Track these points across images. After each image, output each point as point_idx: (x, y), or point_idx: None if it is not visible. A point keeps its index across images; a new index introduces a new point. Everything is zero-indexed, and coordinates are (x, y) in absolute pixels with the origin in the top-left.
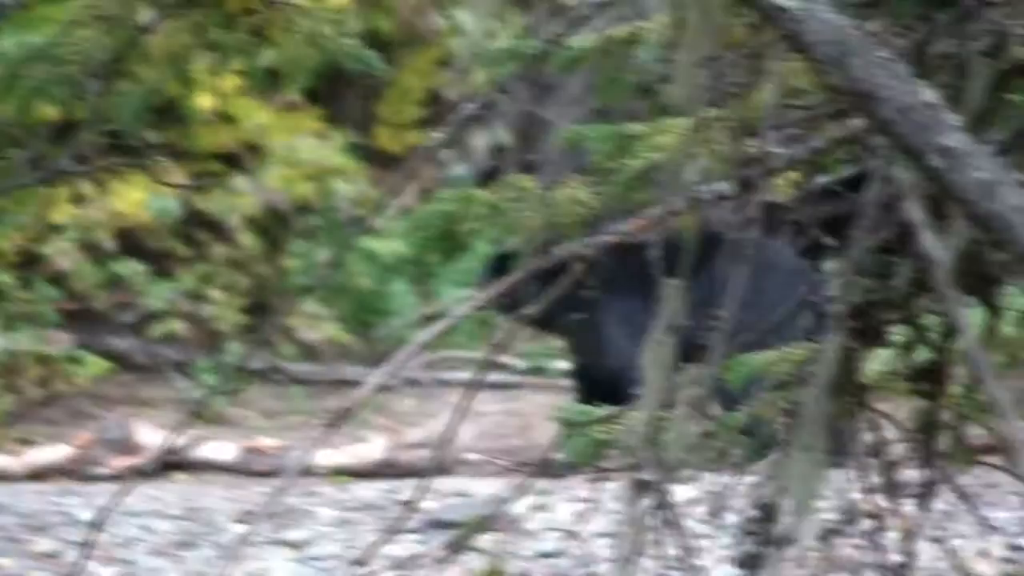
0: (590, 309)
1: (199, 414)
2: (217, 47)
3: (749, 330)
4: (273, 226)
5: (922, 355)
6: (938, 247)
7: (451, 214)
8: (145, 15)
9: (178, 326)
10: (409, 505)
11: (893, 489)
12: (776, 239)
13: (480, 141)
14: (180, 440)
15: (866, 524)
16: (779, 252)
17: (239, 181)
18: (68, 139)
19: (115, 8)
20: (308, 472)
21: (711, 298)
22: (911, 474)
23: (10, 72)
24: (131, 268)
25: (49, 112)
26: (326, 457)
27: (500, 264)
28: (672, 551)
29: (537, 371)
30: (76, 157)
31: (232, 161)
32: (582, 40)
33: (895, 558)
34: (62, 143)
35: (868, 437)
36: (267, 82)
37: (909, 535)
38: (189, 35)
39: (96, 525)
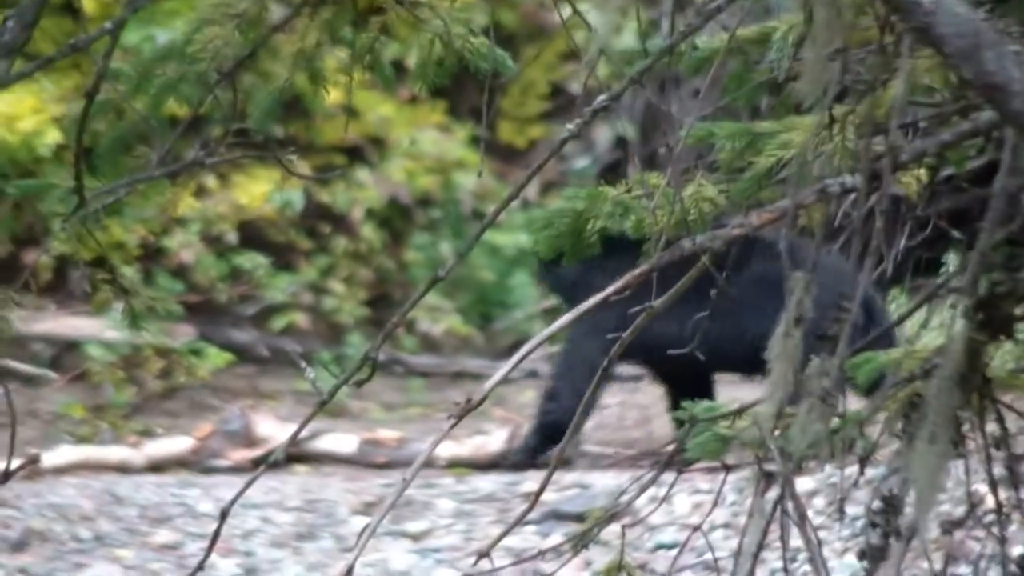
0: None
1: (325, 407)
2: (347, 44)
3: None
4: (395, 219)
5: None
6: None
7: (579, 211)
8: (276, 12)
9: (299, 318)
10: (530, 497)
11: (1016, 481)
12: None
13: (604, 135)
14: (302, 432)
15: (988, 516)
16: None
17: (362, 174)
18: (196, 135)
19: (246, 6)
20: (428, 464)
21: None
22: None
23: (143, 70)
24: (253, 261)
25: (179, 109)
26: (446, 449)
27: (553, 265)
28: (796, 543)
29: None
30: (202, 150)
31: (355, 154)
32: (710, 40)
33: (1017, 550)
34: (190, 139)
35: (992, 429)
36: (393, 78)
37: None
38: (319, 32)
39: (223, 517)
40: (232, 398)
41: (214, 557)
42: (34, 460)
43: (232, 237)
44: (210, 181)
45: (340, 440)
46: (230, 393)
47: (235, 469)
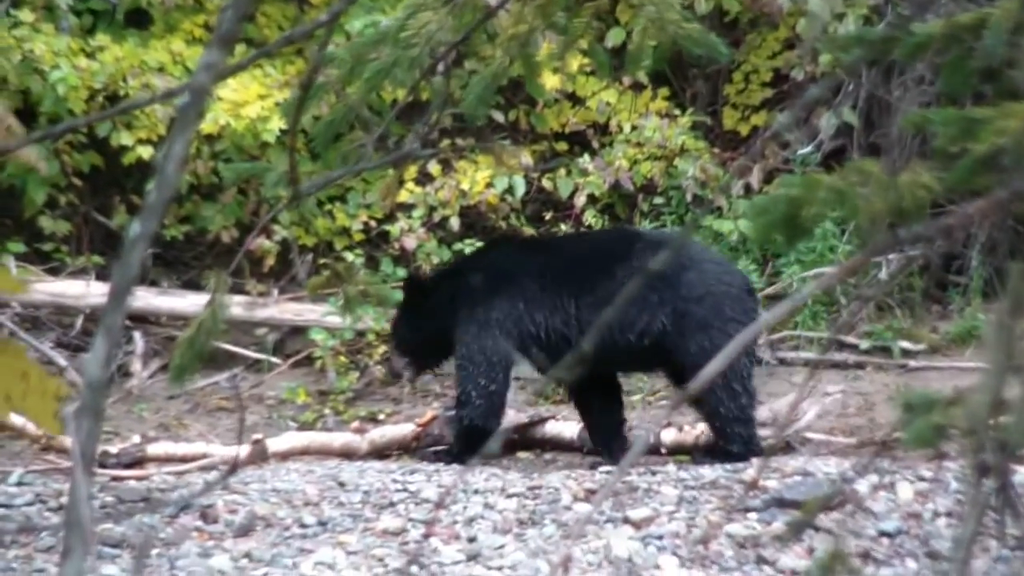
0: None
1: (543, 394)
2: (562, 30)
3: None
4: (617, 205)
5: None
6: None
7: (796, 198)
8: None
9: None
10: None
11: None
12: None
13: (827, 122)
14: (522, 419)
15: None
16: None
17: (584, 161)
18: (414, 120)
19: None
20: (651, 451)
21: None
22: None
23: (356, 55)
24: (475, 247)
25: (395, 94)
26: (668, 436)
27: None
28: (1014, 532)
29: (880, 351)
30: (423, 141)
31: (577, 141)
32: (927, 26)
33: None
34: (408, 124)
35: None
36: (611, 64)
37: None
38: (534, 17)
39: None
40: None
41: (438, 543)
42: (260, 450)
43: (454, 223)
44: (433, 167)
45: (562, 426)
46: (452, 380)
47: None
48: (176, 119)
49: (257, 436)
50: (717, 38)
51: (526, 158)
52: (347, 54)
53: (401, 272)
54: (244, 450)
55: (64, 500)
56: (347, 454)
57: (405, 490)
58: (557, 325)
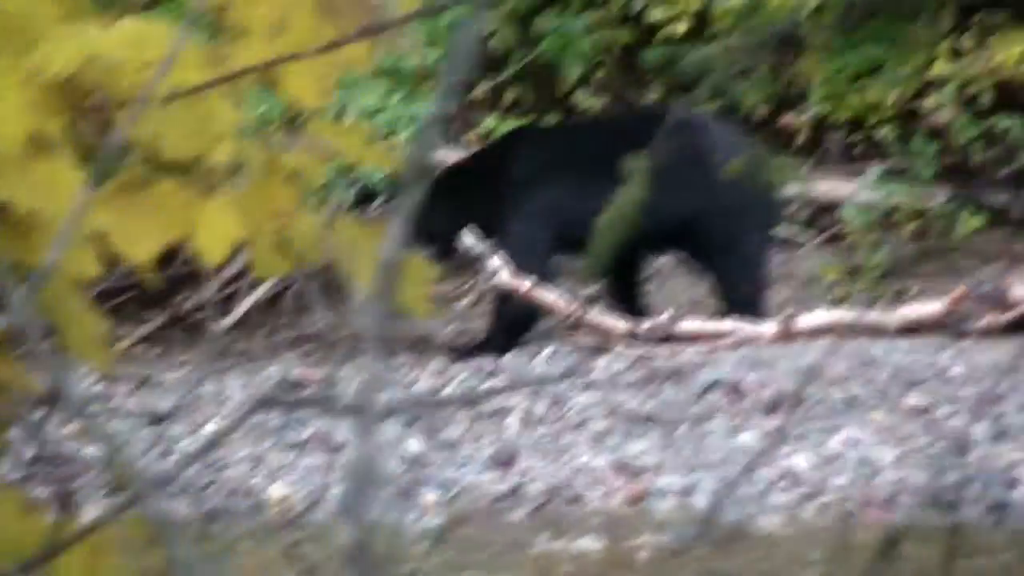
0: None
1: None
2: None
3: None
4: None
5: None
6: None
7: None
8: None
9: None
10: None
11: None
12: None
13: None
14: None
15: None
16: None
17: None
18: None
19: None
20: None
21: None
22: None
23: None
24: (1008, 122)
25: None
26: None
27: None
28: None
29: None
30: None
31: None
32: None
33: None
34: None
35: None
36: None
37: None
38: None
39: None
40: (985, 261)
41: (966, 420)
42: (789, 327)
43: (987, 98)
44: (966, 42)
45: None
46: (983, 256)
47: (988, 332)
48: None
49: (787, 313)
50: None
51: None
52: None
53: (933, 148)
54: (772, 327)
55: (593, 377)
56: (876, 331)
57: (933, 367)
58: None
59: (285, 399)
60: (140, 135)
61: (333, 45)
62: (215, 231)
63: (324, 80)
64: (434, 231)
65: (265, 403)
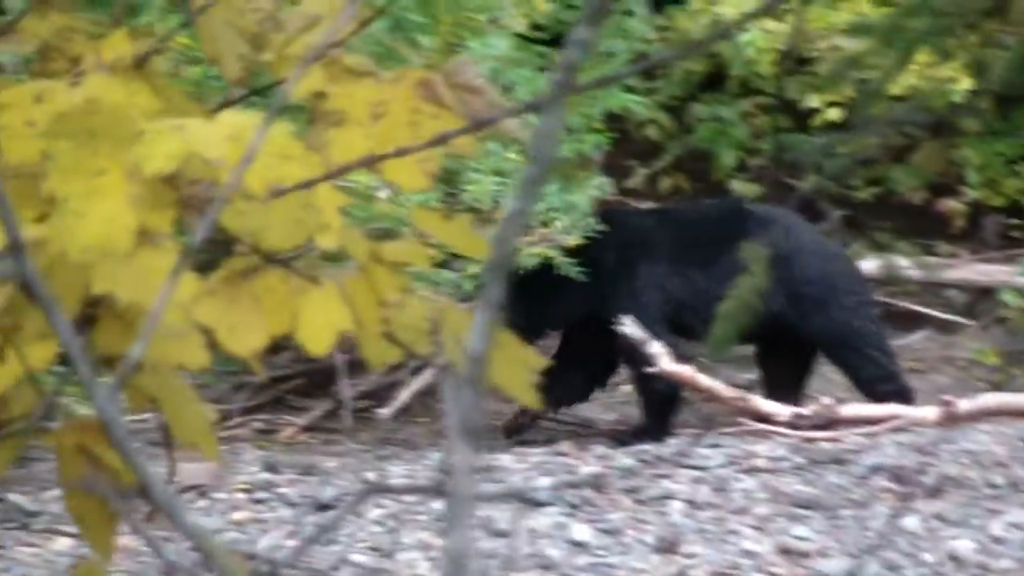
0: None
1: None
2: None
3: None
4: None
5: None
6: None
7: None
8: None
9: None
10: None
11: None
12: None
13: None
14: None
15: None
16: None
17: None
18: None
19: None
20: None
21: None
22: None
23: (892, 24)
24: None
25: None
26: None
27: None
28: None
29: None
30: None
31: None
32: None
33: None
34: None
35: None
36: None
37: None
38: None
39: None
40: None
41: None
42: (950, 411)
43: None
44: None
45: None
46: None
47: None
48: None
49: (947, 397)
50: None
51: None
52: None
53: None
54: (934, 411)
55: (755, 463)
56: None
57: None
58: (686, 297)
59: (395, 486)
60: (242, 227)
61: (440, 140)
62: (320, 321)
63: (426, 166)
64: (544, 320)
65: (374, 489)
